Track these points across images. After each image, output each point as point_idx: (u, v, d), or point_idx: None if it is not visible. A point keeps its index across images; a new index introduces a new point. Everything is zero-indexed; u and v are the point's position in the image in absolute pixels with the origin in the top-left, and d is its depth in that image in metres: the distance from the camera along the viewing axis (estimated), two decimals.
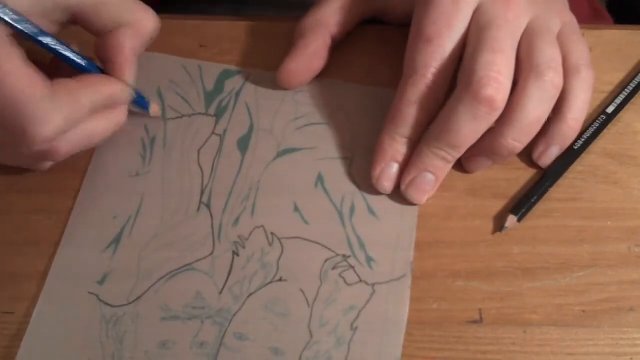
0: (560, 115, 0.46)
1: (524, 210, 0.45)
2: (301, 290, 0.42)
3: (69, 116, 0.42)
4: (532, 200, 0.45)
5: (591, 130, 0.48)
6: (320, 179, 0.46)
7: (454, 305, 0.42)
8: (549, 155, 0.47)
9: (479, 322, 0.42)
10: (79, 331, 0.41)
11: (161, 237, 0.44)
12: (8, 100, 0.40)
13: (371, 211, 0.45)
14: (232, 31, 0.53)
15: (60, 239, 0.45)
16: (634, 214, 0.45)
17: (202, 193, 0.46)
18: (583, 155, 0.47)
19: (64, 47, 0.44)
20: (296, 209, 0.45)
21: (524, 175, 0.47)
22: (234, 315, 0.42)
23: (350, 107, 0.49)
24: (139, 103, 0.48)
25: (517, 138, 0.44)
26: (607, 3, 0.85)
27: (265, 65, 0.50)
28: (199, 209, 0.45)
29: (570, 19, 0.48)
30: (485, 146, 0.45)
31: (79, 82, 0.43)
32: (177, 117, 0.49)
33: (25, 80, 0.40)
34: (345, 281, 0.43)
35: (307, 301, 0.42)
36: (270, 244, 0.44)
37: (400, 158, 0.45)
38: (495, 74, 0.42)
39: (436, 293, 0.43)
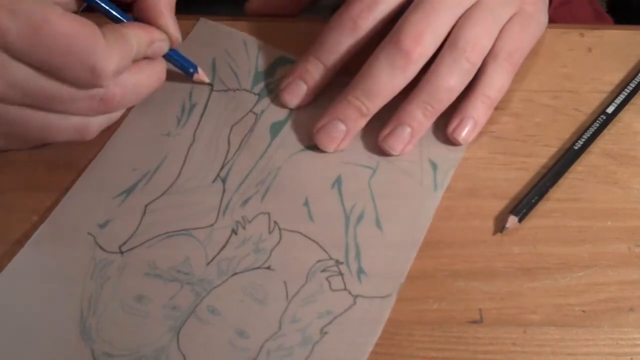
0: (471, 89, 0.47)
1: (524, 211, 0.45)
2: (284, 283, 0.43)
3: (122, 55, 0.42)
4: (533, 201, 0.45)
5: (591, 130, 0.48)
6: (338, 181, 0.46)
7: (454, 305, 0.42)
8: (463, 127, 0.47)
9: (479, 322, 0.42)
10: (67, 265, 0.43)
11: (170, 197, 0.46)
12: (71, 38, 0.39)
13: (378, 224, 0.45)
14: None
15: None
16: (634, 214, 0.45)
17: (222, 167, 0.47)
18: (583, 155, 0.47)
19: None
20: (306, 203, 0.45)
21: (524, 175, 0.47)
22: (214, 288, 0.42)
23: None
24: (183, 64, 0.49)
25: (427, 100, 0.46)
26: (607, 3, 0.85)
27: None
28: (214, 181, 0.46)
29: (534, 8, 0.48)
30: (400, 112, 0.47)
31: (123, 26, 0.43)
32: (223, 90, 0.50)
33: (79, 20, 0.40)
34: (329, 286, 0.43)
35: (287, 295, 0.42)
36: (270, 232, 0.44)
37: (310, 79, 0.48)
38: (421, 29, 0.44)
39: (436, 293, 0.43)
